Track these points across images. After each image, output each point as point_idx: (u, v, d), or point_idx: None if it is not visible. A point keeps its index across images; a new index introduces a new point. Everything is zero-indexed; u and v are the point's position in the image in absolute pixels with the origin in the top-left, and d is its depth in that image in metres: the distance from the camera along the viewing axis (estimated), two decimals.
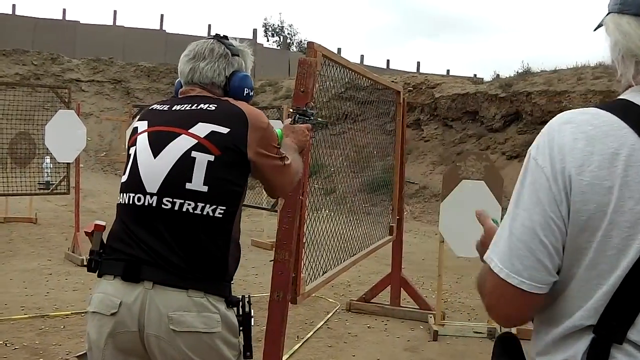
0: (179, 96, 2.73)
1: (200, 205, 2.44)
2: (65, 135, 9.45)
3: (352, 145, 6.40)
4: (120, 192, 2.60)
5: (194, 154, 2.47)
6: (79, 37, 33.15)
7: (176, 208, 2.45)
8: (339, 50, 33.97)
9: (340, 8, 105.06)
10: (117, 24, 35.77)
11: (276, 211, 10.71)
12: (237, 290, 2.68)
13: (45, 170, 15.85)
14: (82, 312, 6.84)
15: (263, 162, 2.59)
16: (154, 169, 2.49)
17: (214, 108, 2.57)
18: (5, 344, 5.78)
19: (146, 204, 2.47)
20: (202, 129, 2.50)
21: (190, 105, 2.61)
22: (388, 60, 41.67)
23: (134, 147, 2.59)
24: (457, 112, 20.61)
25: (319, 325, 6.80)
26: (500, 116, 19.19)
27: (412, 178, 18.59)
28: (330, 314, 7.27)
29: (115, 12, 36.26)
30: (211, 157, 2.47)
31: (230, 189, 2.53)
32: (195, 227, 2.45)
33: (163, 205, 2.45)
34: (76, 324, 6.50)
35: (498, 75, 23.05)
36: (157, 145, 2.52)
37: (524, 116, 18.60)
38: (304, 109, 3.28)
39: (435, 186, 18.17)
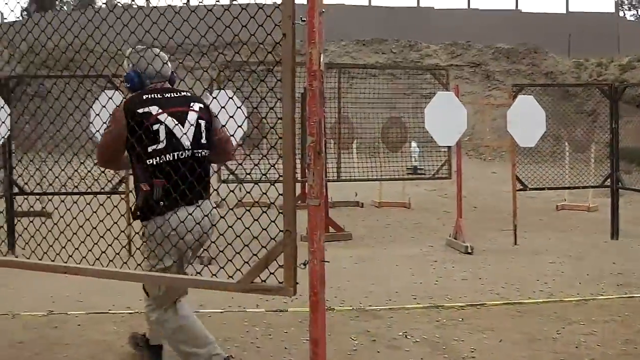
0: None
1: None
2: (445, 117, 9.06)
3: None
4: None
5: None
6: (434, 23, 33.35)
7: None
8: None
9: None
10: (471, 7, 35.54)
11: None
12: None
13: (413, 155, 15.86)
14: (477, 305, 6.37)
15: None
16: None
17: None
18: (405, 336, 5.44)
19: None
20: None
21: None
22: None
23: None
24: None
25: None
26: None
27: None
28: None
29: None
30: None
31: None
32: None
33: None
34: (472, 316, 6.02)
35: None
36: None
37: None
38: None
39: None
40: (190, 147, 3.99)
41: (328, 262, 3.12)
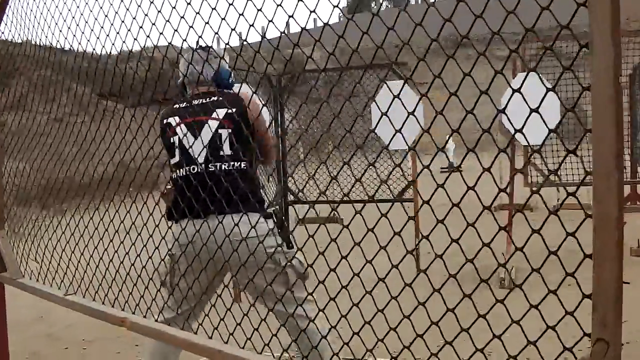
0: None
1: None
2: None
3: None
4: None
5: None
6: None
7: None
8: None
9: None
10: None
11: None
12: None
13: None
14: None
15: None
16: None
17: None
18: None
19: None
20: None
21: None
22: None
23: None
24: None
25: None
26: None
27: None
28: None
29: None
30: None
31: None
32: None
33: None
34: None
35: None
36: None
37: None
38: None
39: None
40: (203, 162, 3.58)
41: None
